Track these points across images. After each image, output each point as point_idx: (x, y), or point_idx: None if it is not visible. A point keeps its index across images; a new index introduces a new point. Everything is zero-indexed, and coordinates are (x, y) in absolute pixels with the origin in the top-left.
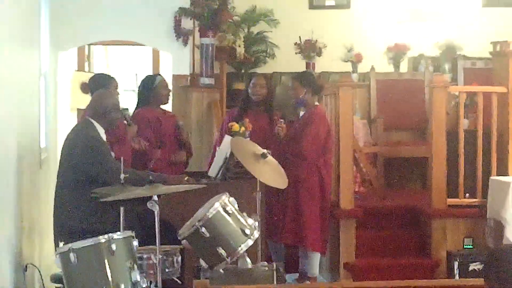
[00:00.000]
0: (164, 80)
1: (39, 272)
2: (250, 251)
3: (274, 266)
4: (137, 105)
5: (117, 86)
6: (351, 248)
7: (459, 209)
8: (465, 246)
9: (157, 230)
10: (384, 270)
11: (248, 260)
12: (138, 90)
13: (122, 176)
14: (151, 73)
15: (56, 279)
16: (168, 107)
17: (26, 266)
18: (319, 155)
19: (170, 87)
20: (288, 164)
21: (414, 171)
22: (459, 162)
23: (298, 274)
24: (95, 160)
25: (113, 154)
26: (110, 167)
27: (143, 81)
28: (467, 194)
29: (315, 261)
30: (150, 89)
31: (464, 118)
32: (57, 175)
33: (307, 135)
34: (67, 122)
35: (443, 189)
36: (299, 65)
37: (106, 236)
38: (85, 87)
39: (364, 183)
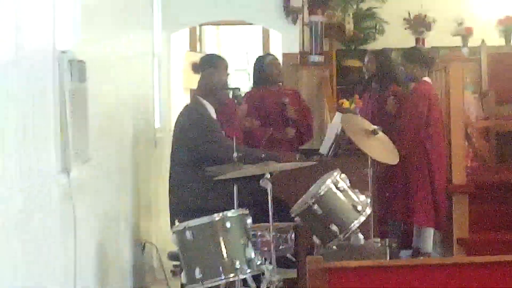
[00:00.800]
0: (275, 59)
1: (157, 249)
2: (362, 228)
3: (387, 242)
4: (252, 85)
5: (227, 66)
6: (465, 224)
7: None
8: None
9: (270, 207)
10: (498, 245)
11: (361, 236)
12: (253, 71)
13: (235, 154)
14: (261, 52)
15: (172, 256)
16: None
17: (144, 244)
18: (419, 130)
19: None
20: (397, 140)
21: None
22: None
23: (412, 250)
24: (207, 138)
25: (224, 133)
26: (222, 145)
27: (255, 61)
28: None
29: (428, 237)
30: (260, 69)
31: None
32: (171, 154)
33: (405, 111)
34: (181, 102)
35: None
36: (409, 41)
37: (220, 214)
38: (196, 67)
39: (476, 158)
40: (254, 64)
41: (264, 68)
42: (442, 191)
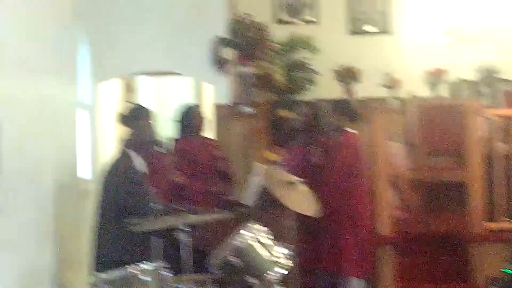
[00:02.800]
0: (199, 109)
1: None
2: (285, 280)
3: None
4: (176, 135)
5: (153, 117)
6: (390, 275)
7: (498, 233)
8: (504, 271)
9: (185, 259)
10: None
11: None
12: (175, 120)
13: (155, 206)
14: (195, 103)
15: None
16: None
17: None
18: (348, 181)
19: (211, 116)
20: (322, 191)
21: (455, 196)
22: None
23: None
24: (130, 194)
25: (151, 187)
26: (144, 202)
27: (178, 111)
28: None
29: None
30: (185, 118)
31: (505, 142)
32: (96, 206)
33: (334, 163)
34: (112, 153)
35: (480, 213)
36: (340, 92)
37: (137, 266)
38: (122, 118)
39: (403, 209)
40: (179, 113)
41: (191, 118)
42: (368, 242)
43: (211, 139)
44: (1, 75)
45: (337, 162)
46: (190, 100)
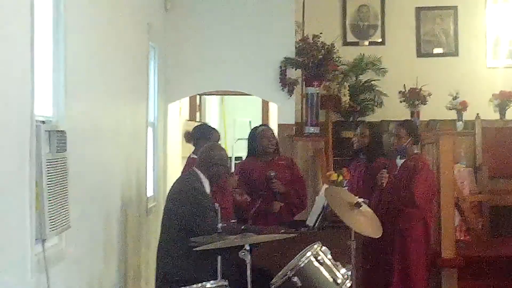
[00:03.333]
0: (267, 130)
1: None
2: None
3: None
4: (246, 155)
5: (219, 137)
6: None
7: None
8: None
9: (248, 279)
10: None
11: None
12: (247, 140)
13: (219, 225)
14: (261, 122)
15: None
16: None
17: None
18: (429, 202)
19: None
20: (392, 212)
21: None
22: None
23: None
24: (196, 213)
25: (217, 204)
26: (210, 222)
27: (249, 132)
28: None
29: None
30: (251, 140)
31: None
32: (161, 223)
33: (418, 183)
34: (177, 171)
35: None
36: (406, 113)
37: (199, 284)
38: (188, 137)
39: (469, 232)
40: (248, 135)
41: (254, 139)
42: (430, 265)
43: (283, 159)
44: (88, 99)
45: (408, 182)
46: (256, 119)
